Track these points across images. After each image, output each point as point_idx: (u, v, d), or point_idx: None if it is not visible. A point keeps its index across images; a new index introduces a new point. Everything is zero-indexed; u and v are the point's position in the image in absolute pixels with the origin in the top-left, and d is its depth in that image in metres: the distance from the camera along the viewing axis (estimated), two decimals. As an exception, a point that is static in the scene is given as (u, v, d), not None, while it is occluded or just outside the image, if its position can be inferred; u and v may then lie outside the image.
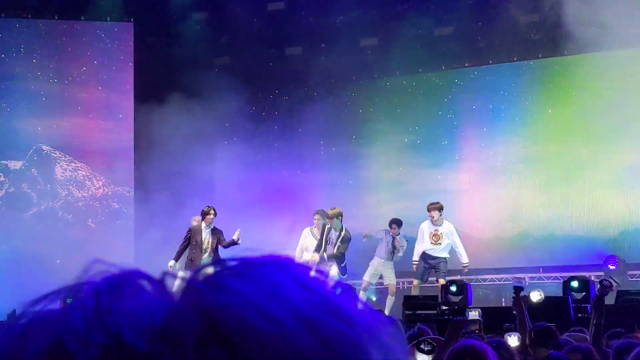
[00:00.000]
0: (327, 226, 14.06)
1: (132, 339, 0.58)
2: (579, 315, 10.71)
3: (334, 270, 13.90)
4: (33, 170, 17.64)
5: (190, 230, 13.83)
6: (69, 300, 0.63)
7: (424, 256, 13.99)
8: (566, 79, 16.62)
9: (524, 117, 17.19)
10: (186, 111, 16.68)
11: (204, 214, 13.85)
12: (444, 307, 11.84)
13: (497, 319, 9.80)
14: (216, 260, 0.65)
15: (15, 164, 17.56)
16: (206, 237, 13.71)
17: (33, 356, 0.60)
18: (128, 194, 17.84)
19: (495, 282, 16.71)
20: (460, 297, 11.96)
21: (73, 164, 17.84)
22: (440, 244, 13.94)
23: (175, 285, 0.64)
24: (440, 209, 14.00)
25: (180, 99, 16.61)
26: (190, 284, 0.62)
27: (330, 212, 14.12)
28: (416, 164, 18.02)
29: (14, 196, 17.47)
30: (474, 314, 9.51)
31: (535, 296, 8.61)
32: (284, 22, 18.06)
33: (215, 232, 13.79)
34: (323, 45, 17.93)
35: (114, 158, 17.74)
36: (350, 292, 0.65)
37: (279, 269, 0.64)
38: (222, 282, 0.62)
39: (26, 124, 17.59)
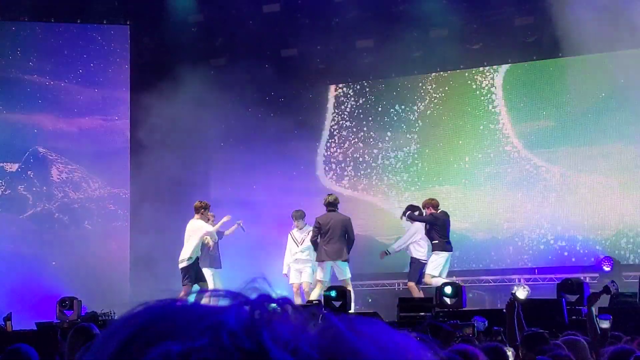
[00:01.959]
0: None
1: (270, 347, 0.69)
2: (573, 317, 10.74)
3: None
4: (29, 172, 17.64)
5: (319, 222, 13.43)
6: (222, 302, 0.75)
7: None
8: (561, 81, 16.66)
9: (519, 119, 17.23)
10: (182, 113, 16.69)
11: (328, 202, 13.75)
12: (439, 310, 11.83)
13: (492, 322, 9.85)
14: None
15: (12, 166, 17.56)
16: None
17: (194, 338, 0.70)
18: (124, 196, 17.85)
19: (490, 284, 16.73)
20: (455, 299, 11.97)
21: (69, 166, 17.84)
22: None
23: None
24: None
25: (176, 101, 16.61)
26: (329, 320, 0.74)
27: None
28: (412, 166, 18.04)
29: (10, 198, 17.48)
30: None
31: (522, 293, 8.62)
32: (280, 24, 18.05)
33: None
34: (319, 47, 17.96)
35: (110, 160, 17.74)
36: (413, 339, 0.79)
37: (380, 326, 0.76)
38: (356, 327, 0.74)
39: (22, 126, 17.59)
